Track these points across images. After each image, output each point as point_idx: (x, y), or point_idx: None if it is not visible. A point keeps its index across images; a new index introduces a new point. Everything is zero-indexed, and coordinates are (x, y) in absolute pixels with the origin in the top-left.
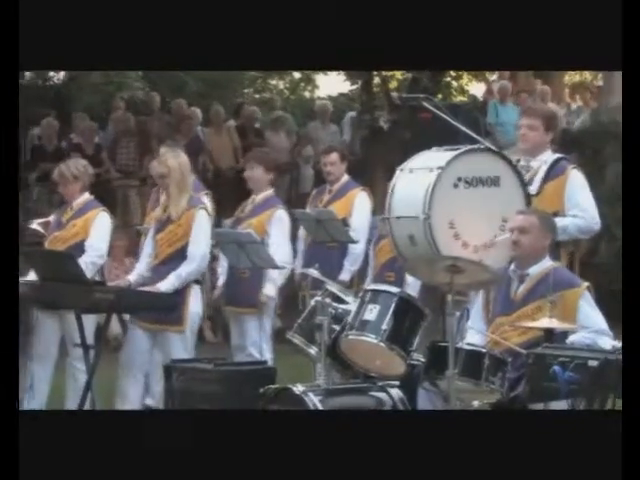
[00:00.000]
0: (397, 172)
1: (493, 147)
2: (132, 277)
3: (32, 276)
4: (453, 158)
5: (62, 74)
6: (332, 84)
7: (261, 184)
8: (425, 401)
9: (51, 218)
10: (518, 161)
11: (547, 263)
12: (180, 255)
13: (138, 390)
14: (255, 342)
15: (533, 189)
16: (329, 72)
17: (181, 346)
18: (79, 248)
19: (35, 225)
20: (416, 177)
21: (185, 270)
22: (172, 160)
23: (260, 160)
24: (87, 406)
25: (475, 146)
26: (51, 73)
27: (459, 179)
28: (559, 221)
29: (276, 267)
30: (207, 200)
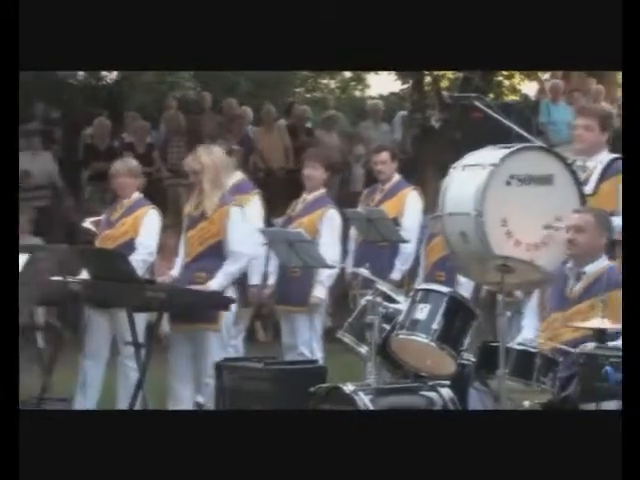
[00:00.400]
0: (450, 170)
1: (546, 146)
2: (174, 272)
3: (84, 275)
4: (506, 155)
5: (115, 74)
6: (383, 83)
7: (317, 183)
8: (476, 401)
9: (102, 216)
10: (574, 161)
11: (603, 262)
12: (212, 252)
13: (189, 390)
14: (306, 341)
15: (589, 189)
16: (380, 72)
17: (218, 344)
18: (129, 246)
19: (87, 224)
20: (469, 174)
21: (232, 268)
22: (205, 157)
23: (322, 159)
24: (138, 405)
25: (528, 144)
26: (104, 73)
27: (512, 177)
28: (616, 220)
29: (326, 266)
30: (258, 199)
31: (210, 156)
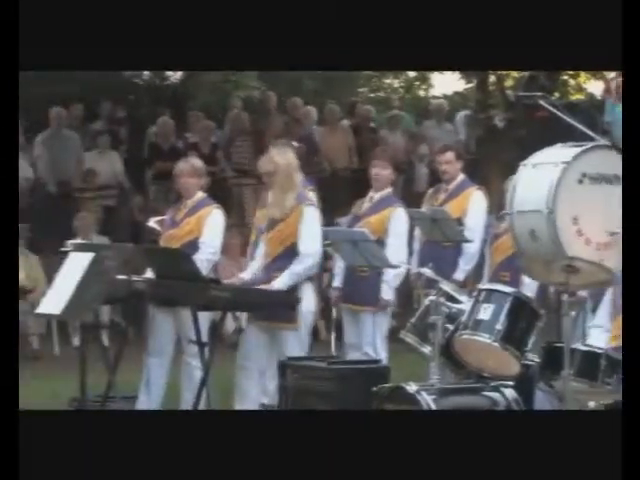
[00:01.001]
0: (520, 167)
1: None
2: (246, 275)
3: (149, 274)
4: (579, 154)
5: (179, 73)
6: (447, 83)
7: (385, 182)
8: (542, 402)
9: (166, 216)
10: None
11: None
12: (290, 253)
13: (256, 388)
14: (370, 340)
15: None
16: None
17: (297, 344)
18: (193, 246)
19: (152, 223)
20: (540, 172)
21: (298, 268)
22: (279, 158)
23: (390, 158)
24: (202, 403)
25: (601, 143)
26: (169, 72)
27: (584, 175)
28: None
29: (390, 266)
30: (313, 197)
31: (283, 157)
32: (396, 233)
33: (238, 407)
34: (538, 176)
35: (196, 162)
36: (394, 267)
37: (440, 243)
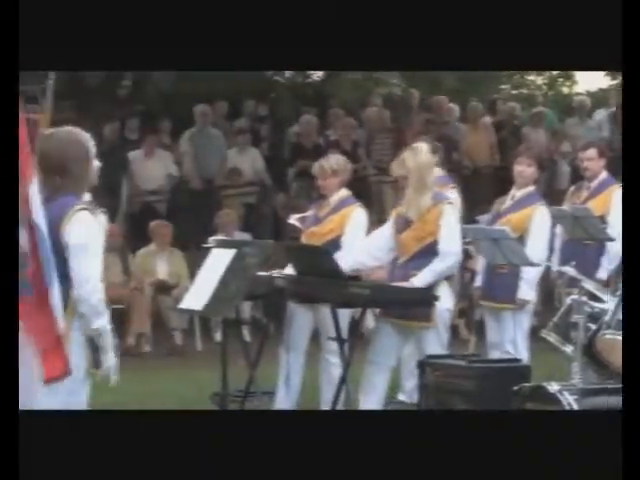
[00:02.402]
0: None
1: None
2: (383, 272)
3: (290, 270)
4: None
5: (321, 72)
6: (591, 79)
7: (529, 180)
8: None
9: (309, 213)
10: None
11: None
12: (428, 251)
13: (385, 383)
14: (512, 339)
15: None
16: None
17: (436, 342)
18: (335, 244)
19: (293, 220)
20: None
21: (439, 266)
22: (410, 161)
23: (536, 156)
24: (342, 400)
25: None
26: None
27: None
28: None
29: (531, 264)
30: (455, 195)
31: (414, 159)
32: (538, 232)
33: (363, 400)
34: None
35: (333, 161)
36: (535, 265)
37: (582, 241)
